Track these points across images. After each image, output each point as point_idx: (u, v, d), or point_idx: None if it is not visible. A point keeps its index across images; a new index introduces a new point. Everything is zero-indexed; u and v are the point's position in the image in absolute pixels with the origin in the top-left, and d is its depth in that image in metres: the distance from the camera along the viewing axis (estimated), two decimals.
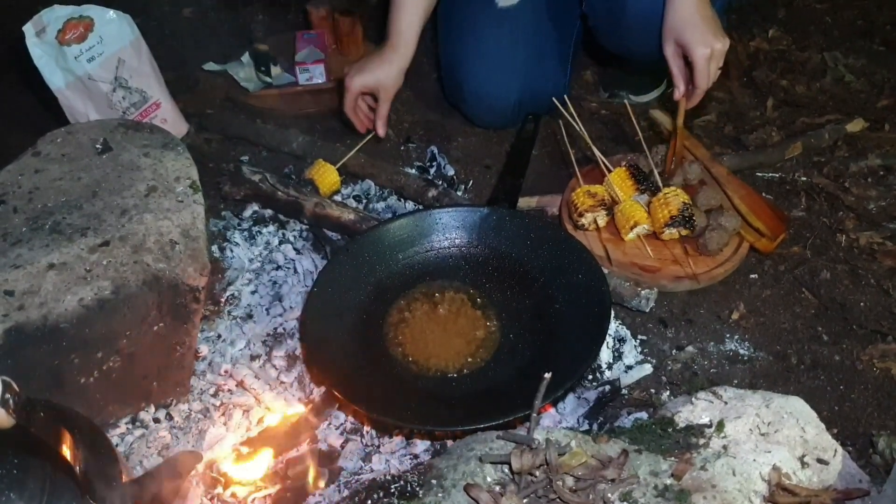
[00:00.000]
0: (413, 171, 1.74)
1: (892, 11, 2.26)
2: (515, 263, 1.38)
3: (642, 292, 1.37)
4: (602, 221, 1.49)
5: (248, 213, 1.62)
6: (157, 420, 1.23)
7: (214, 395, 1.28)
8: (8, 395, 0.74)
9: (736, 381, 1.28)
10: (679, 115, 1.52)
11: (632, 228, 1.44)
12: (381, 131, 1.66)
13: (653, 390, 1.27)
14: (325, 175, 1.61)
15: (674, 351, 1.35)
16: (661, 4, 1.45)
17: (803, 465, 1.00)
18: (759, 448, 1.00)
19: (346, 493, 1.09)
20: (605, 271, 1.34)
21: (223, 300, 1.45)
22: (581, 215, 1.48)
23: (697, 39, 1.39)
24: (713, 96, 1.96)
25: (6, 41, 1.73)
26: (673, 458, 1.00)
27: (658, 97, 1.96)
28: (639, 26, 1.53)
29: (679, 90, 1.48)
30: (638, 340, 1.36)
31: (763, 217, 1.47)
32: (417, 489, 0.98)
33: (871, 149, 1.75)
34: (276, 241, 1.56)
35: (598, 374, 1.30)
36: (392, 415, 1.13)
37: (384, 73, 1.60)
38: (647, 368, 1.30)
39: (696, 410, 1.08)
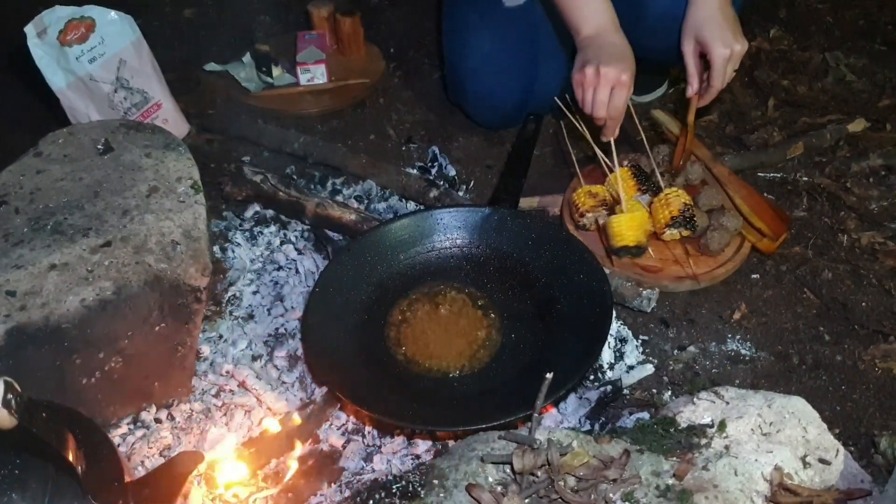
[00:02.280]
0: (414, 171, 1.74)
1: (893, 11, 2.26)
2: (517, 264, 1.38)
3: (644, 292, 1.37)
4: (603, 221, 1.48)
5: (249, 213, 1.62)
6: (158, 420, 1.23)
7: (216, 396, 1.28)
8: (10, 396, 0.74)
9: (737, 381, 1.28)
10: (690, 113, 1.52)
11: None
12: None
13: (654, 390, 1.28)
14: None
15: (675, 351, 1.35)
16: (683, 2, 1.45)
17: (805, 465, 1.00)
18: (760, 448, 1.00)
19: (347, 493, 1.09)
20: (607, 271, 1.34)
21: (225, 300, 1.45)
22: (582, 216, 1.48)
23: (718, 38, 1.39)
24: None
25: (7, 42, 1.73)
26: (675, 459, 1.00)
27: (660, 97, 1.96)
28: (660, 24, 1.52)
29: (692, 87, 1.48)
30: (639, 340, 1.36)
31: (764, 217, 1.47)
32: (419, 489, 0.98)
33: (873, 149, 1.75)
34: (277, 242, 1.56)
35: (599, 375, 1.30)
36: (393, 415, 1.13)
37: (631, 60, 1.41)
38: (649, 368, 1.30)
39: (698, 410, 1.08)
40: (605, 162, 1.52)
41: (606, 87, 1.38)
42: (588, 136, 1.52)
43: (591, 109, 1.43)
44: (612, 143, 1.45)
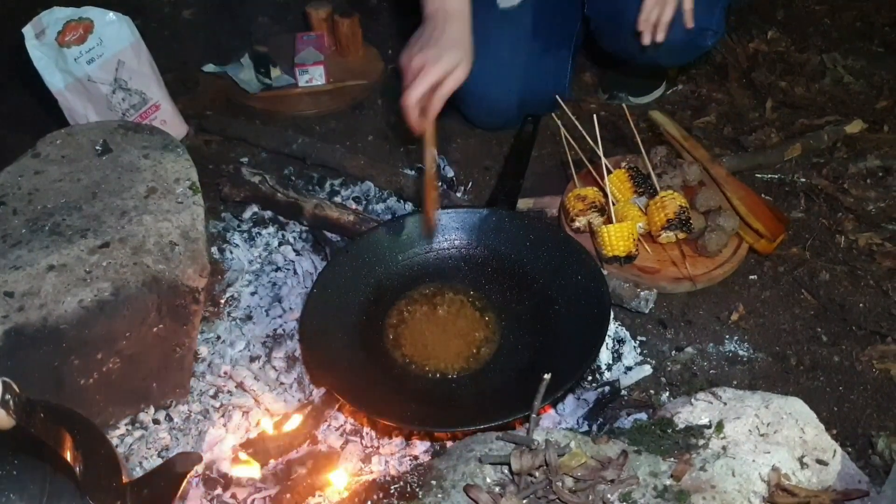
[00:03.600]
0: (412, 172, 1.74)
1: (890, 13, 2.26)
2: (515, 265, 1.38)
3: (641, 293, 1.37)
4: (597, 223, 1.48)
5: (247, 214, 1.62)
6: (156, 421, 1.23)
7: (214, 397, 1.28)
8: (8, 396, 0.74)
9: (735, 382, 1.28)
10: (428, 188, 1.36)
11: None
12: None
13: (652, 391, 1.28)
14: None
15: (673, 352, 1.35)
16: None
17: (802, 465, 1.00)
18: (758, 449, 1.00)
19: (346, 494, 1.09)
20: (605, 272, 1.34)
21: (223, 301, 1.45)
22: (573, 220, 1.48)
23: None
24: (712, 97, 1.97)
25: (6, 43, 1.73)
26: (672, 459, 1.00)
27: (657, 98, 1.96)
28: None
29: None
30: (637, 341, 1.36)
31: (762, 218, 1.47)
32: (417, 490, 0.98)
33: (870, 150, 1.75)
34: (275, 243, 1.56)
35: (597, 375, 1.30)
36: (392, 416, 1.13)
37: (466, 52, 1.31)
38: (647, 369, 1.30)
39: (696, 411, 1.08)
40: (606, 165, 1.52)
41: (411, 78, 1.28)
42: (590, 139, 1.51)
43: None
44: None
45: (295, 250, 1.54)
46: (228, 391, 1.28)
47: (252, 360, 1.33)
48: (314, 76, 1.99)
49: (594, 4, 1.69)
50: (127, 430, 1.21)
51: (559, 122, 1.55)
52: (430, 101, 1.27)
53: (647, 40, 1.51)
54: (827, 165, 1.72)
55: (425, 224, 1.38)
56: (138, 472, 1.12)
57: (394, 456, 1.17)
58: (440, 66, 1.26)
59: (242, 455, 1.14)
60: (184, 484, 0.95)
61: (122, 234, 1.20)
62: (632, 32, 1.56)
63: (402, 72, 1.31)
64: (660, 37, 1.50)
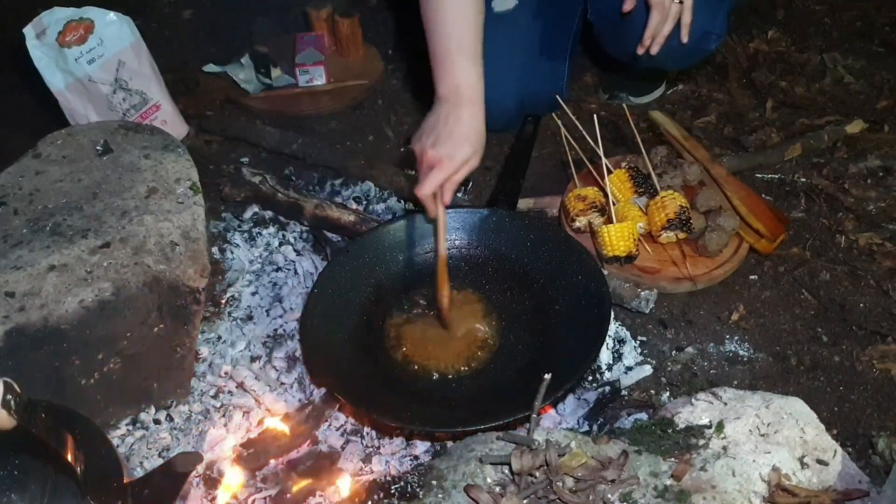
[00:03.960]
0: (413, 172, 1.74)
1: (891, 13, 2.26)
2: (515, 265, 1.38)
3: (642, 293, 1.37)
4: (598, 223, 1.48)
5: (248, 214, 1.62)
6: (157, 421, 1.23)
7: (215, 397, 1.28)
8: (9, 397, 0.74)
9: (735, 382, 1.29)
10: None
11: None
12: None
13: (653, 391, 1.28)
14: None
15: (673, 352, 1.35)
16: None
17: (803, 465, 1.00)
18: (758, 449, 1.00)
19: (346, 494, 1.09)
20: (605, 272, 1.34)
21: (223, 301, 1.45)
22: (573, 220, 1.48)
23: None
24: (712, 97, 1.97)
25: (6, 43, 1.73)
26: (673, 459, 1.00)
27: (658, 98, 1.96)
28: (643, 34, 1.54)
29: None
30: (638, 341, 1.36)
31: (762, 218, 1.47)
32: (418, 490, 0.98)
33: (871, 150, 1.75)
34: (276, 243, 1.56)
35: (597, 375, 1.30)
36: (392, 416, 1.13)
37: (479, 144, 1.28)
38: (647, 369, 1.30)
39: (696, 411, 1.08)
40: (607, 165, 1.52)
41: (425, 169, 1.26)
42: (590, 139, 1.52)
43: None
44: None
45: (295, 250, 1.54)
46: (229, 391, 1.29)
47: (253, 360, 1.33)
48: (314, 76, 1.99)
49: (596, 9, 1.69)
50: (128, 430, 1.21)
51: (559, 122, 1.56)
52: (442, 189, 1.27)
53: (641, 52, 1.52)
54: (827, 165, 1.72)
55: (439, 309, 1.30)
56: (139, 473, 1.12)
57: (394, 456, 1.17)
58: (453, 162, 1.25)
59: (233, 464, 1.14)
60: (185, 484, 0.95)
61: (122, 234, 1.20)
62: (635, 38, 1.56)
63: (416, 159, 1.30)
64: (654, 49, 1.51)
